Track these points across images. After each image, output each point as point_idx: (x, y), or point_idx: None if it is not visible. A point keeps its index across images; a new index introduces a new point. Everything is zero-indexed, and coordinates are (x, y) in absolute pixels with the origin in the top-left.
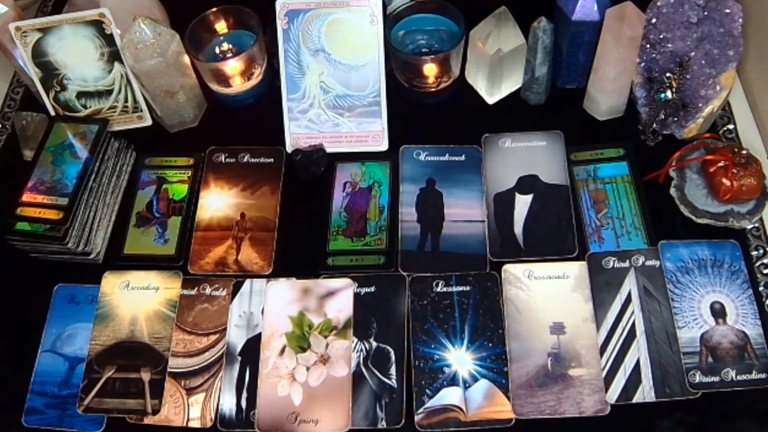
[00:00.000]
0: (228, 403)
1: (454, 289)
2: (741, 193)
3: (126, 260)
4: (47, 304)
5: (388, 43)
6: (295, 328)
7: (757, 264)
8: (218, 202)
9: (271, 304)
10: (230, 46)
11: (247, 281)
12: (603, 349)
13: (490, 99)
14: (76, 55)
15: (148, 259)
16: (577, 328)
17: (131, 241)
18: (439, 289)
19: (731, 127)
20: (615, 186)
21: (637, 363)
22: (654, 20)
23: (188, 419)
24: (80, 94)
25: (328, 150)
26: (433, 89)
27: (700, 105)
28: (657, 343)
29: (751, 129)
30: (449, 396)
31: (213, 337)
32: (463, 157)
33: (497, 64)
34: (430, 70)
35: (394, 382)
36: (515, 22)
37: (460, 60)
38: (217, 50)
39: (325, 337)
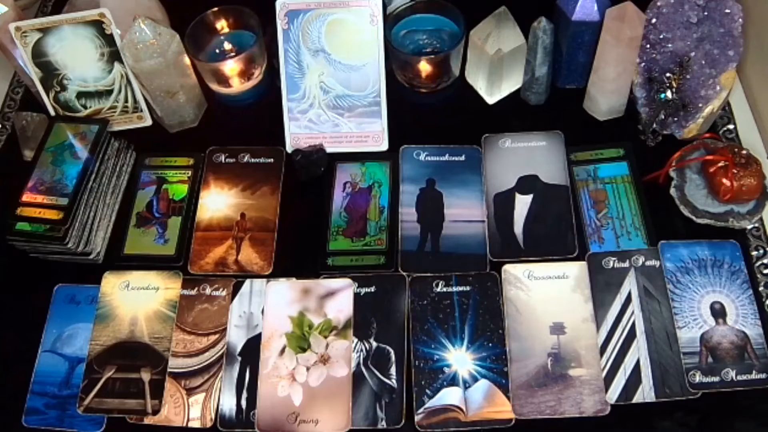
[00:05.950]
0: (228, 403)
1: (454, 289)
2: (741, 193)
3: (126, 260)
4: (47, 304)
5: (388, 43)
6: (295, 328)
7: (757, 264)
8: (218, 202)
9: (271, 304)
10: (230, 46)
11: (247, 281)
12: (603, 349)
13: (490, 99)
14: (76, 55)
15: (148, 259)
16: (577, 329)
17: (131, 241)
18: (439, 289)
19: (731, 127)
20: (615, 186)
21: (637, 363)
22: (654, 20)
23: (188, 419)
24: (80, 94)
25: (328, 150)
26: (433, 89)
27: (700, 105)
28: (657, 343)
29: (751, 129)
30: (449, 396)
31: (213, 337)
32: (463, 157)
33: (497, 64)
34: (429, 70)
35: (394, 382)
36: (515, 22)
37: (460, 60)
38: (218, 50)
39: (325, 337)
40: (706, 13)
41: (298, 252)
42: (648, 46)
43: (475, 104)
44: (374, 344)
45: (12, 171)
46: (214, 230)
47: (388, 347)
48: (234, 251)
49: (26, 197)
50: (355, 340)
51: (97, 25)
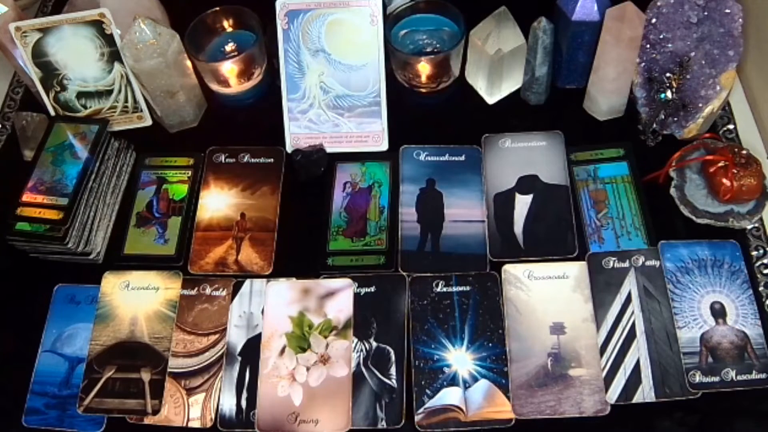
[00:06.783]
0: (228, 403)
1: (454, 289)
2: (741, 193)
3: (126, 260)
4: (47, 304)
5: (388, 43)
6: (295, 328)
7: (757, 264)
8: (218, 202)
9: (271, 304)
10: (230, 46)
11: (247, 281)
12: (603, 349)
13: (490, 99)
14: (76, 55)
15: (148, 259)
16: (577, 329)
17: (131, 241)
18: (439, 289)
19: (731, 127)
20: (615, 186)
21: (637, 363)
22: (654, 20)
23: (188, 419)
24: (80, 94)
25: (328, 150)
26: (433, 89)
27: (700, 105)
28: (657, 343)
29: (751, 129)
30: (449, 396)
31: (213, 337)
32: (463, 157)
33: (497, 64)
34: (429, 70)
35: (394, 382)
36: (515, 22)
37: (460, 60)
38: (218, 50)
39: (325, 337)
40: (706, 13)
41: (298, 252)
42: (648, 46)
43: (475, 104)
44: (374, 344)
45: (12, 171)
46: (214, 230)
47: (388, 347)
48: (234, 251)
49: (26, 197)
50: (355, 340)
51: (97, 25)
